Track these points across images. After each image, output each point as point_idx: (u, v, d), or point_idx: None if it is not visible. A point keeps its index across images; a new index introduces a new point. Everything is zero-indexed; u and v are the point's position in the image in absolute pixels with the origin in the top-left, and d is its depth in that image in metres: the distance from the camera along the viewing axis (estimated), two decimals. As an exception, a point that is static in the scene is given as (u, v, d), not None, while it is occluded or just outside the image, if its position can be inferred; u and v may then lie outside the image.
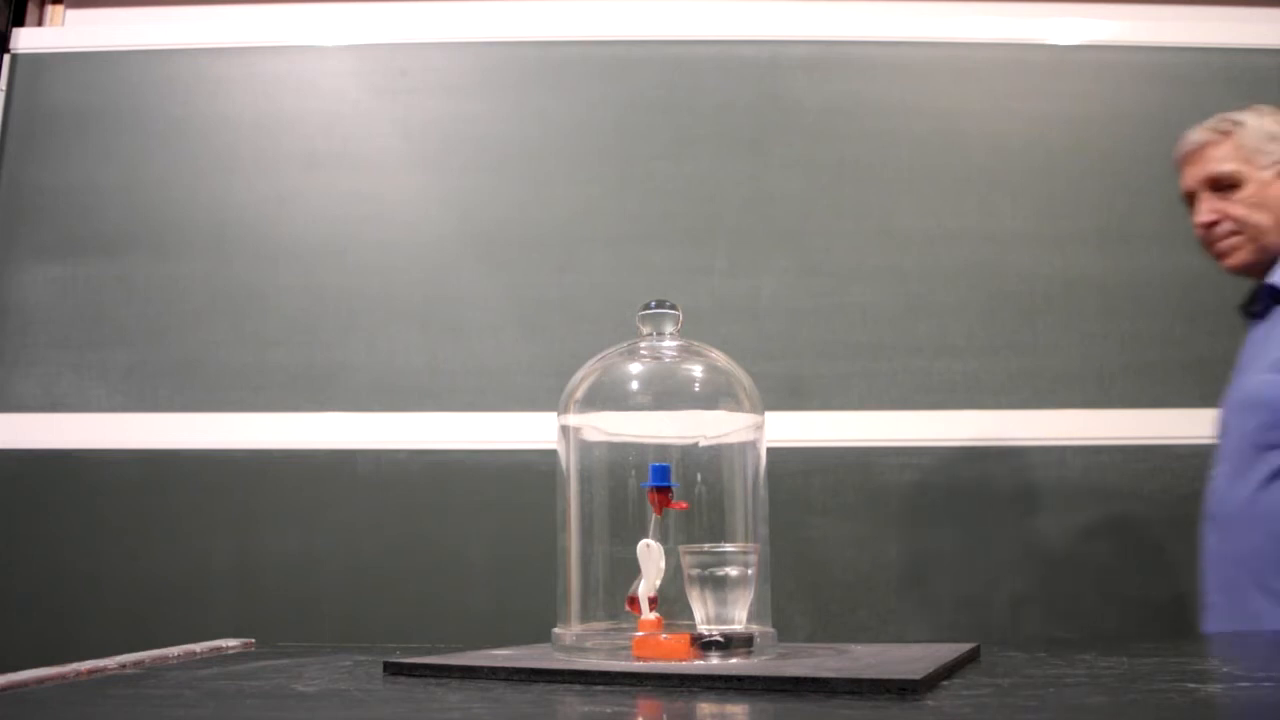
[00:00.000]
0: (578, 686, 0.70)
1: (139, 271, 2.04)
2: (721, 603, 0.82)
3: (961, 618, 1.90)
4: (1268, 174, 1.50)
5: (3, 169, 2.09)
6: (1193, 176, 1.54)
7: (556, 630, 0.85)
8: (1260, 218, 1.49)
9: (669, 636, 0.79)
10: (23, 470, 1.97)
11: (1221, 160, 1.52)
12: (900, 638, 1.87)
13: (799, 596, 1.84)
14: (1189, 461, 1.95)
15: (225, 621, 1.86)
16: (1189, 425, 1.96)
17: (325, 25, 2.16)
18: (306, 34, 2.16)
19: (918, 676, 0.65)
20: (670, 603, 0.82)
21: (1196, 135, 1.55)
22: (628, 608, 0.85)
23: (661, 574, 0.83)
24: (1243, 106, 1.55)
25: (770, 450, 0.95)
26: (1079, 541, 1.92)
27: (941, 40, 2.14)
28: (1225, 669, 0.76)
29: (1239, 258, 1.50)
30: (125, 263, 2.05)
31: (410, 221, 2.05)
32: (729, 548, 0.84)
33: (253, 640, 1.05)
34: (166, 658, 0.90)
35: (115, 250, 2.05)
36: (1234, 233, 1.50)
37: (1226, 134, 1.53)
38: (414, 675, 0.78)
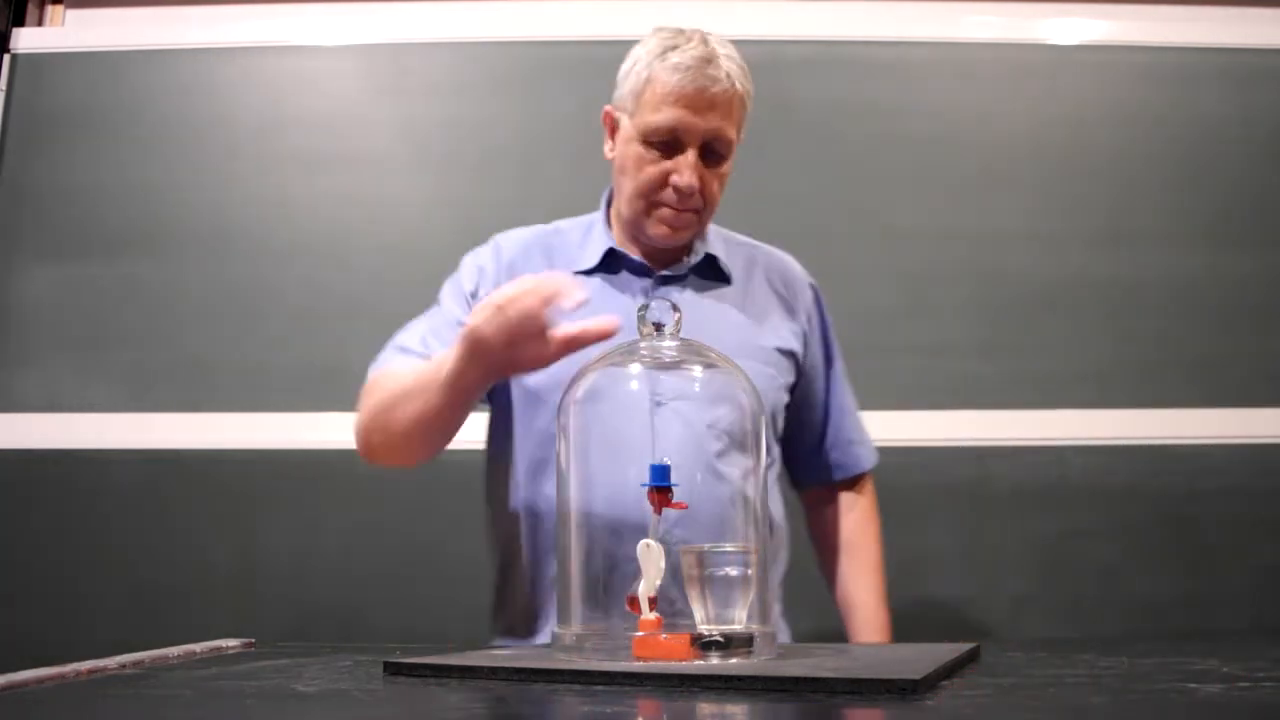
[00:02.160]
0: (578, 686, 0.70)
1: (139, 272, 2.04)
2: (721, 603, 0.82)
3: (961, 618, 1.90)
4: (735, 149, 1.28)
5: (3, 169, 2.08)
6: (700, 123, 1.20)
7: (556, 630, 0.85)
8: (717, 200, 1.27)
9: (669, 636, 0.79)
10: (23, 470, 1.96)
11: (732, 125, 1.23)
12: (900, 638, 1.87)
13: (799, 597, 1.84)
14: (1189, 461, 1.95)
15: (225, 621, 1.86)
16: (1189, 425, 1.96)
17: (326, 25, 2.16)
18: (307, 34, 2.16)
19: (918, 676, 0.65)
20: (670, 603, 0.82)
21: (728, 81, 1.20)
22: (628, 608, 0.85)
23: (661, 574, 0.83)
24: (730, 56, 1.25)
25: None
26: (1079, 541, 1.92)
27: (941, 40, 2.13)
28: (1225, 669, 0.76)
29: (685, 236, 1.27)
30: (125, 263, 2.04)
31: (410, 222, 2.05)
32: (729, 548, 0.84)
33: (253, 640, 1.05)
34: (166, 658, 0.90)
35: (116, 250, 2.05)
36: (696, 210, 1.24)
37: (745, 95, 1.24)
38: (414, 675, 0.78)
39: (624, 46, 2.16)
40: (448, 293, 1.34)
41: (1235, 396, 1.98)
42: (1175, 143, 2.09)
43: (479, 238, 1.42)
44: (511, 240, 1.36)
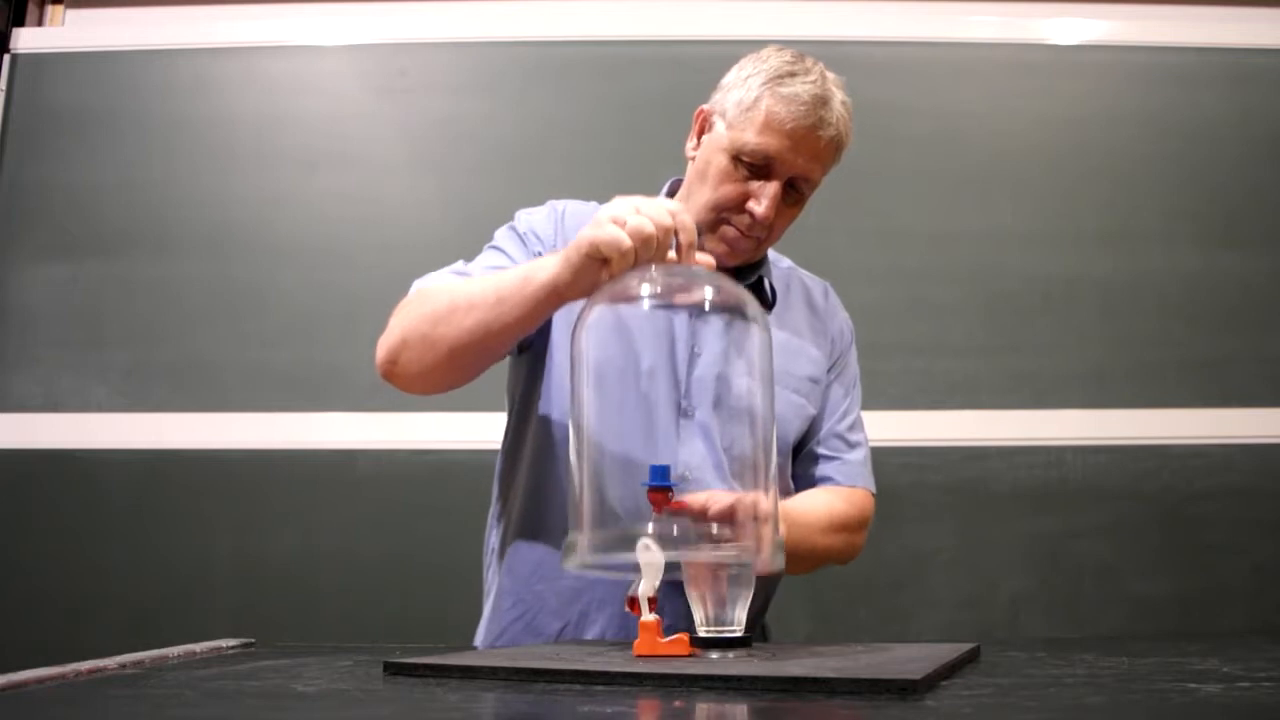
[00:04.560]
0: (578, 686, 0.70)
1: (138, 271, 2.04)
2: (721, 603, 0.82)
3: (961, 618, 1.90)
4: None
5: (3, 169, 2.08)
6: (796, 161, 1.16)
7: (569, 538, 0.85)
8: (780, 236, 1.24)
9: (669, 637, 0.79)
10: (23, 470, 1.96)
11: (824, 169, 1.21)
12: (900, 638, 1.87)
13: (799, 596, 1.84)
14: (1188, 461, 1.95)
15: (225, 621, 1.86)
16: (1188, 425, 1.96)
17: (325, 25, 2.16)
18: (306, 34, 2.16)
19: (918, 676, 0.65)
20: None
21: (836, 129, 1.18)
22: (627, 608, 0.85)
23: (661, 573, 0.83)
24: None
25: (770, 450, 0.94)
26: (1079, 541, 1.92)
27: (941, 40, 2.14)
28: (1225, 669, 0.76)
29: (739, 261, 1.23)
30: (124, 263, 2.04)
31: (410, 221, 2.05)
32: (729, 548, 0.84)
33: (253, 640, 1.06)
34: (166, 658, 0.90)
35: (115, 250, 2.05)
36: (759, 239, 1.20)
37: (844, 146, 1.22)
38: (414, 675, 0.78)
39: (623, 47, 2.17)
40: (506, 241, 1.26)
41: (1234, 396, 1.98)
42: (1175, 143, 2.09)
43: (478, 236, 1.41)
44: (572, 209, 1.28)
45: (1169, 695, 0.65)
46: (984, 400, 1.97)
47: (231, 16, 2.18)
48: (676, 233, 0.91)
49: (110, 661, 0.83)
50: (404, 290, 1.39)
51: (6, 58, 2.14)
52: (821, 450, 1.28)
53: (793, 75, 1.17)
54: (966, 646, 0.87)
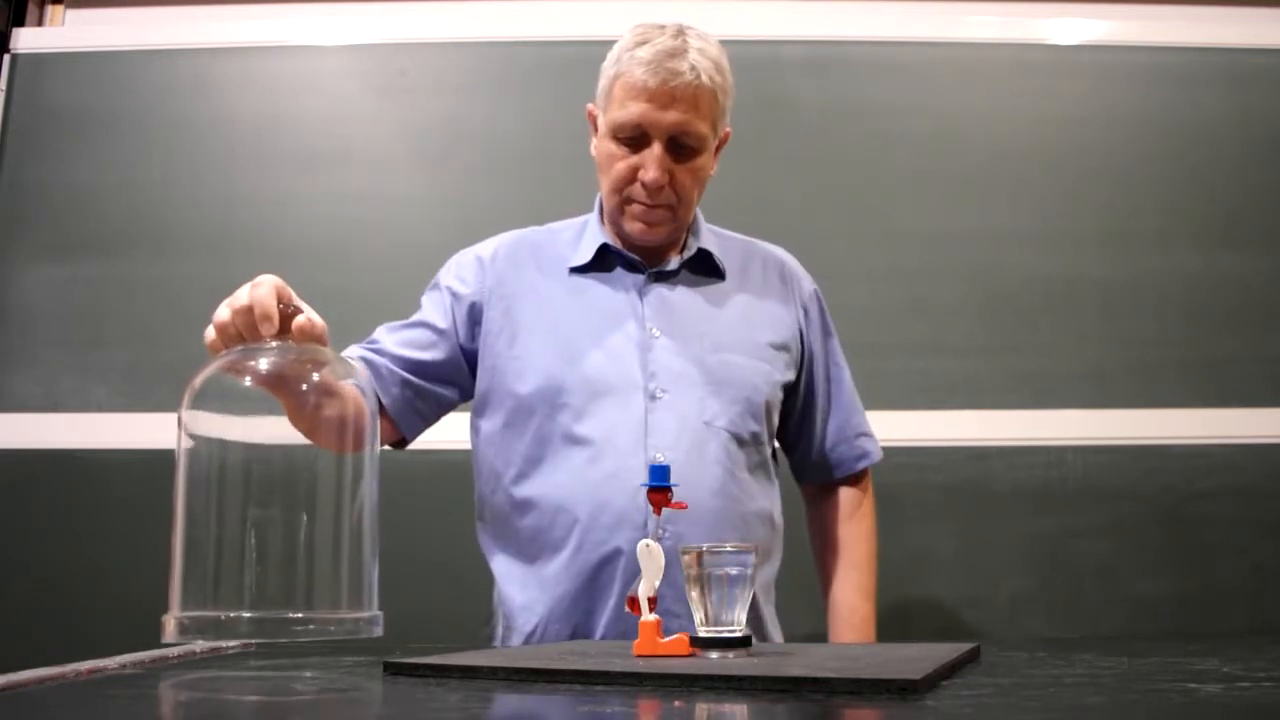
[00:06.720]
0: (578, 686, 0.70)
1: (139, 272, 2.04)
2: (721, 603, 0.82)
3: (961, 618, 1.90)
4: (713, 144, 1.26)
5: (3, 169, 2.08)
6: (664, 117, 1.19)
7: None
8: (695, 195, 1.26)
9: (669, 637, 0.79)
10: (23, 470, 1.96)
11: (702, 118, 1.21)
12: (900, 638, 1.87)
13: (799, 596, 1.84)
14: (1188, 461, 1.95)
15: (225, 621, 1.86)
16: (1188, 425, 1.97)
17: (325, 25, 2.16)
18: (306, 34, 2.15)
19: (918, 676, 0.65)
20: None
21: (693, 74, 1.18)
22: (628, 608, 0.85)
23: (661, 574, 0.83)
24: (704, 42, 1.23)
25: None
26: (1079, 541, 1.92)
27: (941, 40, 2.13)
28: (1225, 669, 0.76)
29: (661, 233, 1.26)
30: (125, 263, 2.04)
31: (410, 221, 2.05)
32: (729, 548, 0.84)
33: (253, 640, 1.06)
34: (166, 658, 0.90)
35: (115, 250, 2.05)
36: (669, 205, 1.24)
37: (717, 88, 1.21)
38: (414, 675, 0.78)
39: (624, 46, 2.17)
40: (426, 301, 1.36)
41: (1234, 396, 1.98)
42: (1175, 143, 2.09)
43: (478, 237, 1.42)
44: (499, 240, 1.37)
45: (1169, 695, 0.65)
46: (984, 400, 1.97)
47: (231, 16, 2.18)
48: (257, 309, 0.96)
49: (110, 661, 0.83)
50: (403, 291, 1.39)
51: (6, 58, 2.13)
52: (853, 449, 1.39)
53: (641, 44, 1.21)
54: (966, 646, 0.87)
